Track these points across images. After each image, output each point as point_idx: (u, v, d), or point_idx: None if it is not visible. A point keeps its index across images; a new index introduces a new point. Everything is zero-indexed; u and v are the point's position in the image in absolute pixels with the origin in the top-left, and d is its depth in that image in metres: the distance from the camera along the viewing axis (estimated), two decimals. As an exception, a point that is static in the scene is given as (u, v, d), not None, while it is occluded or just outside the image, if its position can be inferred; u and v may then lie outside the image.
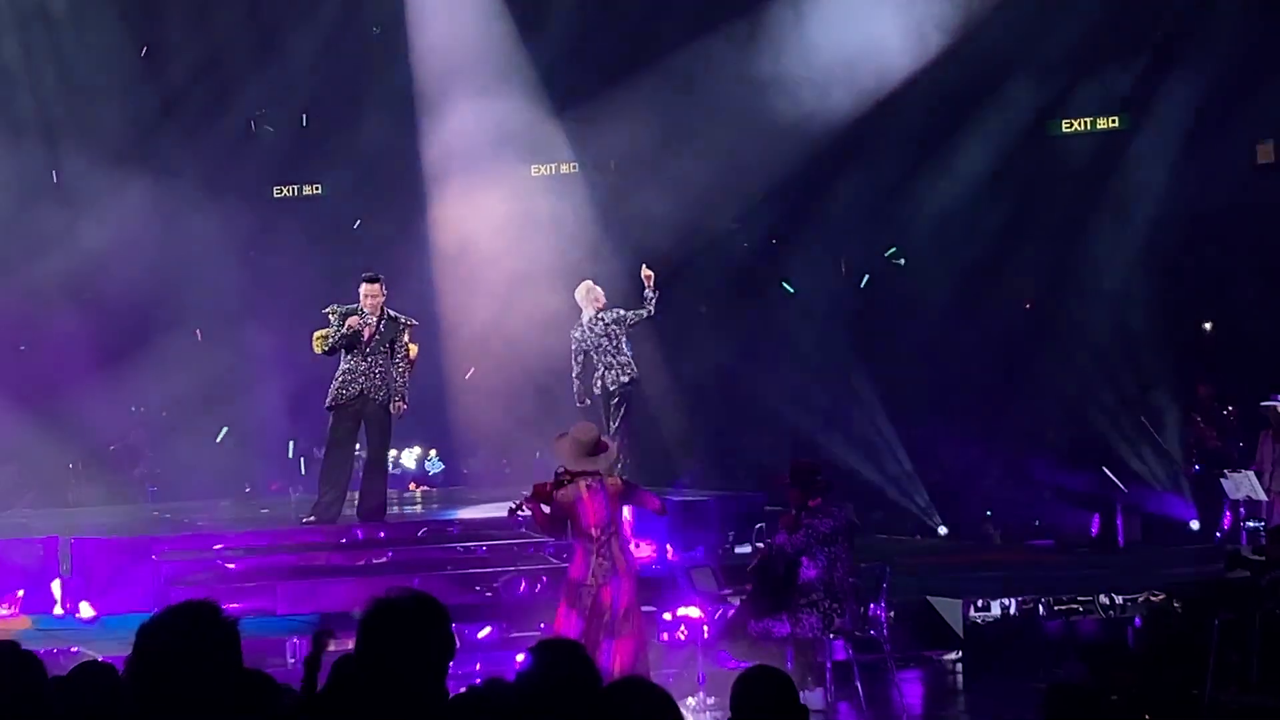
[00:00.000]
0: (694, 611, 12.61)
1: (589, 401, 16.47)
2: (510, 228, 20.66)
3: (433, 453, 22.98)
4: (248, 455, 21.03)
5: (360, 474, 15.50)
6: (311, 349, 15.07)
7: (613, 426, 16.28)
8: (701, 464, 20.42)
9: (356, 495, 15.41)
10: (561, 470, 11.15)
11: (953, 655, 14.08)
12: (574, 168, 21.88)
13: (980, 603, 14.30)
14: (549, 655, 5.45)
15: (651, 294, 16.28)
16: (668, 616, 12.72)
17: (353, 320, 14.59)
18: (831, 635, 12.21)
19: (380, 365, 14.78)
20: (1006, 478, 20.86)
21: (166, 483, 20.84)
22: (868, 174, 21.72)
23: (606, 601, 10.78)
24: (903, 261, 22.12)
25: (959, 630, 14.19)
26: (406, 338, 14.96)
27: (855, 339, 21.81)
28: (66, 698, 5.44)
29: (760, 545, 12.74)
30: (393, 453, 20.47)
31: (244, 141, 22.16)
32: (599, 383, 16.46)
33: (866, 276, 22.28)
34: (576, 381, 16.54)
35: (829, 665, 12.08)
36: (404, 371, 14.95)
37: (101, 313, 20.39)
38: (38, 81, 20.77)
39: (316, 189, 23.09)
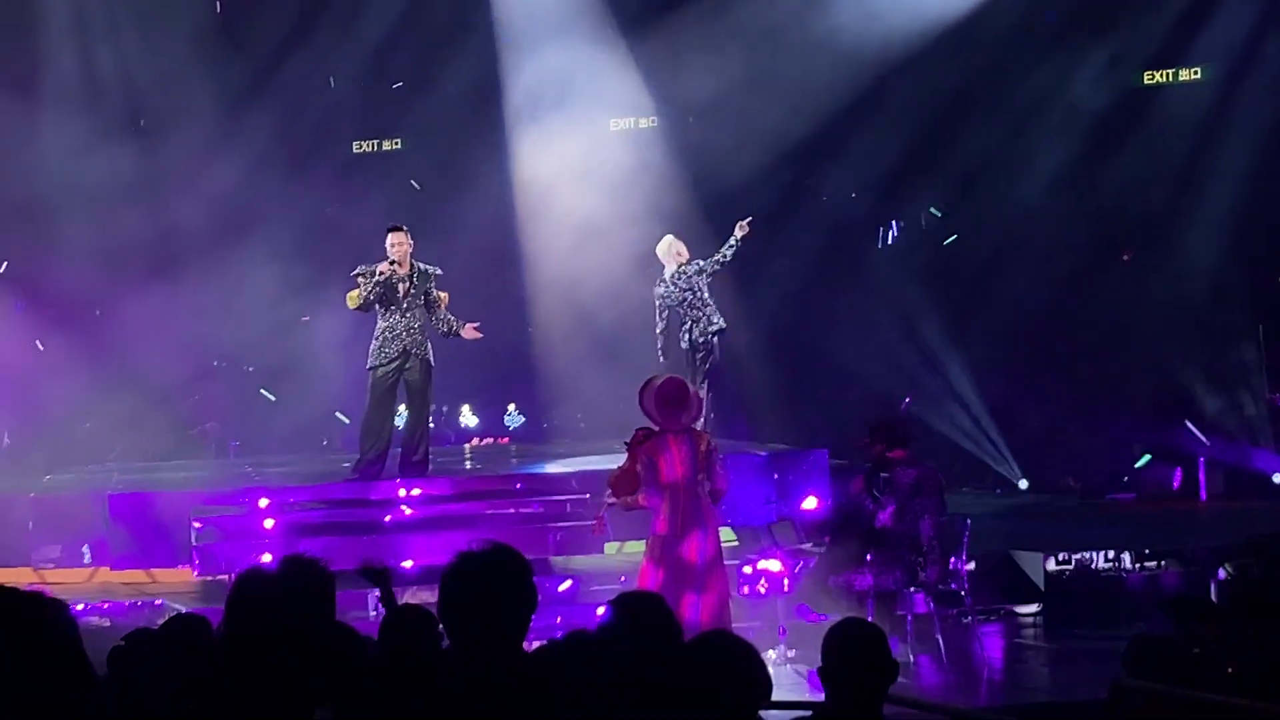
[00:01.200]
0: (774, 565, 12.60)
1: (670, 358, 16.51)
2: (589, 182, 20.65)
3: (511, 406, 23.09)
4: (327, 410, 21.18)
5: (403, 430, 15.58)
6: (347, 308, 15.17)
7: (698, 380, 16.33)
8: (781, 418, 20.34)
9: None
10: (641, 429, 11.10)
11: (1034, 609, 14.04)
12: (653, 122, 21.82)
13: (1061, 556, 14.24)
14: (630, 608, 5.47)
15: (736, 242, 16.30)
16: (748, 570, 12.70)
17: (383, 266, 14.63)
18: (912, 588, 12.20)
19: (419, 320, 14.83)
20: (1088, 431, 20.74)
21: (249, 437, 21.03)
22: (949, 124, 21.57)
23: (690, 555, 10.75)
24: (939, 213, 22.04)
25: (1040, 584, 14.14)
26: (435, 288, 15.00)
27: (936, 292, 21.70)
28: (161, 650, 5.49)
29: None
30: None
31: (324, 97, 22.18)
32: (686, 337, 16.50)
33: (954, 236, 22.21)
34: (660, 338, 16.59)
35: (910, 618, 12.08)
36: (445, 316, 15.01)
37: (180, 267, 20.49)
38: (118, 39, 20.86)
39: (396, 144, 23.11)
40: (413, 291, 14.77)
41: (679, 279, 16.49)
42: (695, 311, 16.44)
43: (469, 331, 15.10)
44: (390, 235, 14.86)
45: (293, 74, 21.66)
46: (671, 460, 10.80)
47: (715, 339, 16.46)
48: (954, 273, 21.93)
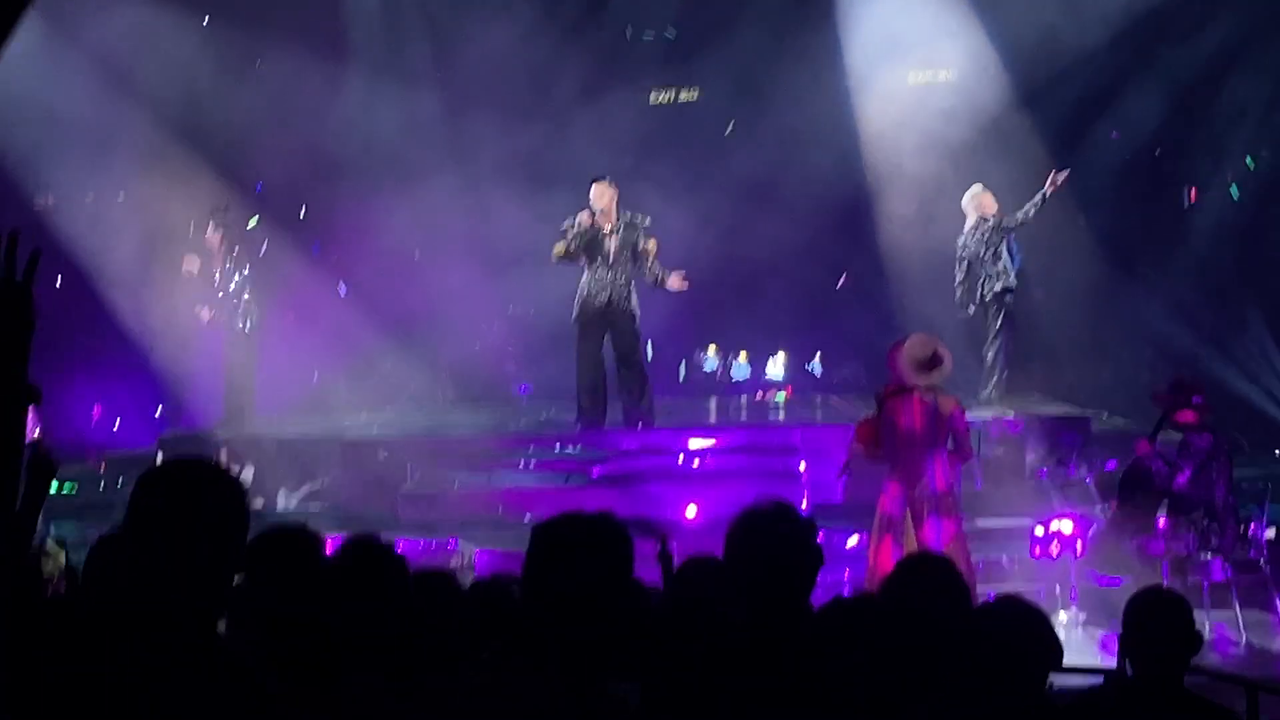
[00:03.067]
0: (1067, 526, 12.43)
1: (971, 310, 16.40)
2: (892, 134, 20.45)
3: (817, 358, 22.97)
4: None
5: (621, 382, 15.57)
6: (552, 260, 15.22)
7: (991, 335, 16.24)
8: (1074, 376, 19.92)
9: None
10: (891, 384, 11.18)
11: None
12: (949, 74, 21.43)
13: (1367, 526, 13.78)
14: (919, 568, 5.45)
15: (1044, 198, 16.04)
16: (1040, 531, 12.53)
17: (583, 216, 14.67)
18: (1209, 555, 11.94)
19: (624, 273, 14.82)
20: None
21: (544, 382, 21.29)
22: (1261, 72, 20.80)
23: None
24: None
25: (1343, 553, 13.72)
26: (643, 240, 14.94)
27: (1243, 253, 21.02)
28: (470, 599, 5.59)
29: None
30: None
31: (621, 46, 22.23)
32: (980, 291, 16.34)
33: (1235, 189, 21.45)
34: (959, 289, 16.47)
35: (1206, 586, 11.82)
36: (653, 265, 14.96)
37: (478, 214, 20.73)
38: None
39: (694, 94, 23.03)
40: (618, 244, 14.78)
41: (980, 232, 16.32)
42: (990, 266, 16.26)
43: (675, 281, 15.05)
44: (594, 186, 14.91)
45: (590, 23, 21.78)
46: (912, 417, 10.89)
47: (1006, 296, 16.25)
48: (1267, 231, 21.17)
